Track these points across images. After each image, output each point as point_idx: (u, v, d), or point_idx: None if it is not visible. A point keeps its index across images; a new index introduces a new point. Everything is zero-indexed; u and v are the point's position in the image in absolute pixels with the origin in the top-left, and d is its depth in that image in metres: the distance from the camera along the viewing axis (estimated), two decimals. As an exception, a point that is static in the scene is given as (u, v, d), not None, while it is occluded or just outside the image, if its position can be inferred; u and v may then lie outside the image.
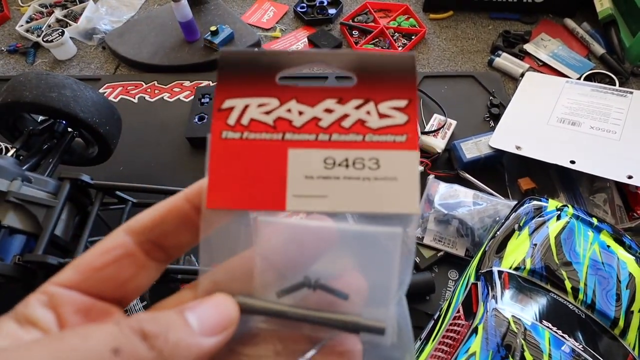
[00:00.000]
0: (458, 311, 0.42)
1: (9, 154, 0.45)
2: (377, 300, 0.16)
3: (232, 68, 0.17)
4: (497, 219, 0.53)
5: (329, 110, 0.17)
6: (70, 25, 0.87)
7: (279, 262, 0.16)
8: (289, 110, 0.17)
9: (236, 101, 0.17)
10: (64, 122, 0.52)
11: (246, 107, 0.17)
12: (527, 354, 0.35)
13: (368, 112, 0.17)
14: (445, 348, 0.39)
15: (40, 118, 0.53)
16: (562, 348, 0.36)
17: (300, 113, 0.17)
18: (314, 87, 0.18)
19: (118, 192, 0.44)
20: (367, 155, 0.16)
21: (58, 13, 0.89)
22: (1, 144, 0.45)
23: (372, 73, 0.17)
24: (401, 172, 0.16)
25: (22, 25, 0.88)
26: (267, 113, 0.17)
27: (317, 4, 0.88)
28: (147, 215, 0.16)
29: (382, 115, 0.17)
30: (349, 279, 0.16)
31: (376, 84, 0.17)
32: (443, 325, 0.42)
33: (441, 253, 0.54)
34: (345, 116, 0.17)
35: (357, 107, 0.17)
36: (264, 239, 0.16)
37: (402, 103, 0.17)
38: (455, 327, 0.40)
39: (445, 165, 0.63)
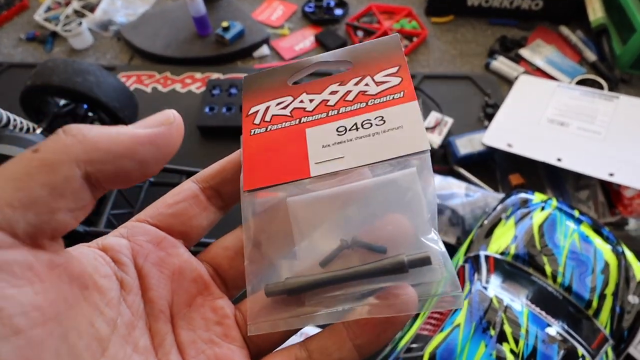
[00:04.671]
0: (447, 290, 0.46)
1: (37, 132, 0.49)
2: (411, 238, 0.16)
3: (253, 85, 0.21)
4: (487, 210, 0.57)
5: (334, 92, 0.20)
6: (86, 16, 0.91)
7: (314, 232, 0.17)
8: (301, 102, 0.20)
9: (259, 106, 0.20)
10: (85, 105, 0.55)
11: (267, 108, 0.20)
12: (506, 327, 0.39)
13: (367, 84, 0.19)
14: (434, 321, 0.43)
15: (62, 101, 0.57)
16: (539, 324, 0.40)
17: (311, 100, 0.20)
18: (319, 79, 0.20)
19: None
20: (372, 116, 0.18)
21: (75, 4, 0.92)
22: (29, 123, 0.49)
23: (364, 58, 0.20)
24: (405, 121, 0.18)
25: (40, 15, 0.91)
26: (285, 107, 0.20)
27: (325, 5, 0.91)
28: (210, 167, 0.19)
29: (378, 83, 0.19)
30: (387, 225, 0.17)
31: (369, 63, 0.20)
32: (432, 302, 0.46)
33: (434, 240, 0.58)
34: (348, 92, 0.19)
35: (357, 83, 0.19)
36: (296, 215, 0.17)
37: (394, 69, 0.19)
38: (443, 303, 0.44)
39: (441, 160, 0.67)
